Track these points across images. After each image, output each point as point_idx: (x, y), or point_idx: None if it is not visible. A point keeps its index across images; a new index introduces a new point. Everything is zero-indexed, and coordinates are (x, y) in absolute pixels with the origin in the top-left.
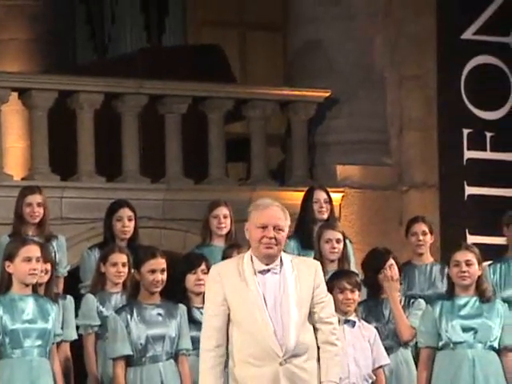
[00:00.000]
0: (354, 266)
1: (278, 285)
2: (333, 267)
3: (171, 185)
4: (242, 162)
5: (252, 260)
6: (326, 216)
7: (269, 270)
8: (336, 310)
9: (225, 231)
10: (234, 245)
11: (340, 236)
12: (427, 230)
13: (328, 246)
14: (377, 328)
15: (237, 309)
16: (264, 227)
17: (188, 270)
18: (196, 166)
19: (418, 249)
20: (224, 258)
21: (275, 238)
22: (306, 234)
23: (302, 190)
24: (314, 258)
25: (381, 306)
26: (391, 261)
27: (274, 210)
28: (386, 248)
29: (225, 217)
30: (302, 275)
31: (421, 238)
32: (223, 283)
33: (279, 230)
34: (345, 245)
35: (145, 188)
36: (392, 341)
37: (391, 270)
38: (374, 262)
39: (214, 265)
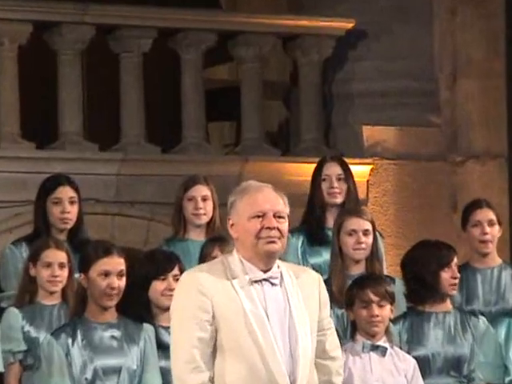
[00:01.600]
0: (385, 269)
1: (281, 301)
2: (358, 270)
3: (128, 153)
4: (228, 122)
5: (242, 262)
6: (338, 199)
7: (267, 280)
8: (358, 332)
9: (204, 219)
10: (218, 239)
11: (369, 226)
12: (495, 220)
13: (351, 241)
14: (420, 358)
15: (230, 334)
16: (261, 215)
17: (154, 274)
18: (164, 128)
19: (481, 246)
20: (203, 257)
21: (278, 229)
22: (315, 223)
23: (314, 162)
24: (332, 260)
25: (428, 324)
26: (456, 259)
27: (270, 193)
28: (443, 241)
29: (204, 199)
30: (305, 289)
31: (487, 230)
32: (211, 297)
33: (280, 217)
34: (374, 238)
35: (91, 158)
36: (447, 375)
37: (453, 273)
38: (427, 259)
39: (190, 270)
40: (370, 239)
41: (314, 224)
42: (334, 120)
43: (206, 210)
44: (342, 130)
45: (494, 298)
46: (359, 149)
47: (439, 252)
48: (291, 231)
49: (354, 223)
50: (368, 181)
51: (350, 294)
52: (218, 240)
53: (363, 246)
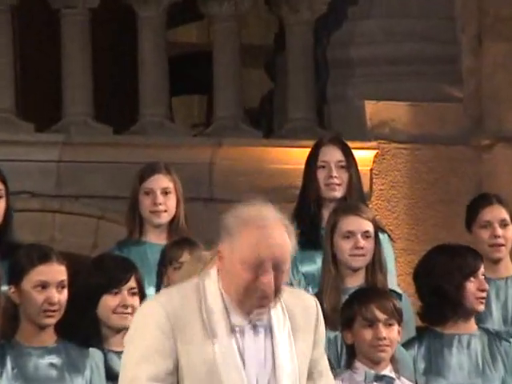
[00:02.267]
0: (395, 278)
1: (263, 353)
2: (356, 282)
3: (72, 135)
4: (197, 96)
5: (224, 300)
6: (338, 192)
7: (251, 326)
8: (358, 359)
9: (165, 217)
10: (183, 241)
11: (369, 226)
12: (508, 219)
13: (348, 245)
14: None
15: None
16: (258, 266)
17: (104, 287)
18: (116, 103)
19: (492, 251)
20: (166, 263)
21: (275, 285)
22: (309, 222)
23: (306, 146)
24: (323, 270)
25: (449, 349)
26: (483, 268)
27: (279, 235)
28: (468, 246)
29: (165, 192)
30: (297, 327)
31: (498, 232)
32: (177, 340)
33: (282, 270)
34: (377, 242)
35: (25, 141)
36: None
37: (481, 284)
38: (448, 268)
39: (156, 296)
40: (370, 243)
41: (306, 223)
42: (330, 94)
43: (168, 206)
44: (340, 106)
45: (510, 316)
46: (361, 130)
47: (463, 259)
48: None
49: (351, 223)
50: (372, 170)
51: (348, 311)
52: (185, 242)
53: (362, 251)
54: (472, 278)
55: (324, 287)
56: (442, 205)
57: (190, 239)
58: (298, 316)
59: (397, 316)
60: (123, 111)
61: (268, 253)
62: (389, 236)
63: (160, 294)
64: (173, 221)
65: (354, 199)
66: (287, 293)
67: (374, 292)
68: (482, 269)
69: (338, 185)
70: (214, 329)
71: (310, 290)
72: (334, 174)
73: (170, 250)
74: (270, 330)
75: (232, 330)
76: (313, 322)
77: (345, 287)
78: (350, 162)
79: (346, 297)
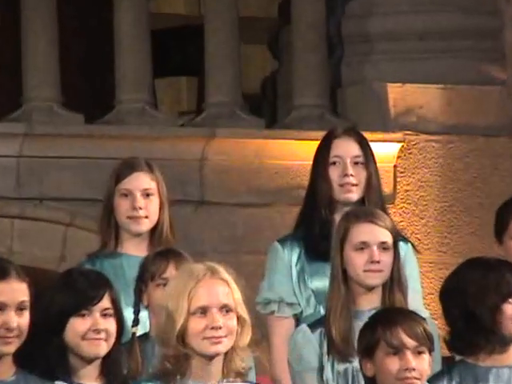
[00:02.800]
0: (420, 298)
1: None
2: (371, 303)
3: (35, 125)
4: (186, 78)
5: None
6: (354, 193)
7: None
8: None
9: (145, 225)
10: (167, 252)
11: (387, 236)
12: None
13: (361, 259)
14: None
15: None
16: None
17: (72, 308)
18: (88, 87)
19: None
20: (146, 278)
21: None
22: (319, 229)
23: (316, 139)
24: (331, 289)
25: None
26: None
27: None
28: (507, 261)
29: (146, 194)
30: None
31: None
32: None
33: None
34: (396, 255)
35: None
36: None
37: None
38: (481, 287)
39: None
40: (389, 257)
41: (315, 231)
42: (345, 75)
43: (149, 211)
44: (357, 90)
45: None
46: (382, 119)
47: (500, 276)
48: (281, 241)
49: (365, 232)
50: (396, 167)
51: (369, 336)
52: (171, 254)
53: (379, 266)
54: (511, 300)
55: (332, 310)
56: (480, 209)
57: (175, 250)
58: None
59: (428, 343)
60: (96, 96)
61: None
62: (413, 246)
63: None
64: (155, 228)
65: (373, 203)
66: None
67: (400, 313)
68: None
69: (355, 185)
70: None
71: (322, 310)
72: (350, 171)
73: (151, 263)
74: None
75: None
76: None
77: (357, 310)
78: (368, 158)
79: (358, 321)
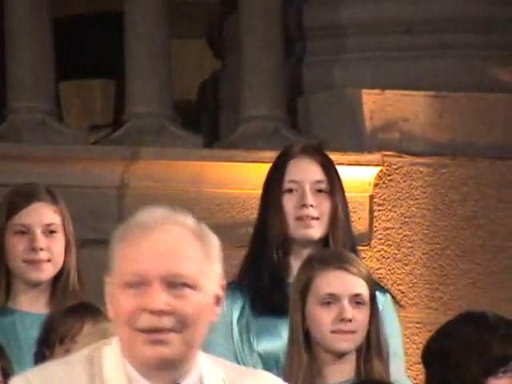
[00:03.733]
0: (403, 364)
1: None
2: (343, 374)
3: None
4: (101, 81)
5: (127, 374)
6: (316, 229)
7: None
8: None
9: (48, 270)
10: (80, 308)
11: (362, 287)
12: None
13: (328, 317)
14: None
15: None
16: (140, 283)
17: None
18: None
19: None
20: (45, 346)
21: (173, 314)
22: (270, 276)
23: (269, 161)
24: (289, 356)
25: None
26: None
27: (169, 238)
28: (505, 319)
29: (49, 230)
30: None
31: None
32: None
33: (181, 286)
34: (374, 311)
35: None
36: None
37: None
38: (464, 355)
39: (28, 373)
40: (363, 313)
41: (265, 277)
42: (307, 79)
43: (52, 253)
44: (322, 98)
45: None
46: (356, 135)
47: (490, 341)
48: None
49: (334, 282)
50: (372, 197)
51: None
52: (85, 310)
53: (351, 326)
54: (501, 374)
55: (290, 383)
56: (482, 253)
57: (90, 305)
58: None
59: None
60: None
61: (154, 266)
62: (392, 297)
63: (33, 370)
64: (59, 276)
65: (340, 243)
66: (235, 371)
67: None
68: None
69: (316, 218)
70: None
71: None
72: (310, 201)
73: (60, 323)
74: None
75: None
76: None
77: (324, 383)
78: (333, 184)
79: None
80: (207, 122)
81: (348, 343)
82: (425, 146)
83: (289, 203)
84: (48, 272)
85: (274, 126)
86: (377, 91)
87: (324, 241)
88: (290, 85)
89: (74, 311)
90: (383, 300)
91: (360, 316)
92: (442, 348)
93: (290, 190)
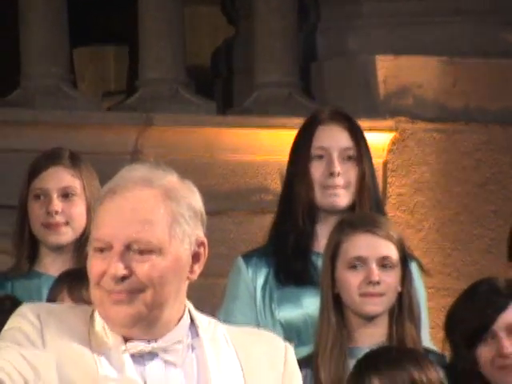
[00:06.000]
0: (427, 331)
1: None
2: (373, 337)
3: None
4: (114, 47)
5: (105, 330)
6: (344, 198)
7: (154, 354)
8: None
9: (66, 234)
10: (66, 275)
11: (390, 250)
12: None
13: (356, 279)
14: None
15: None
16: (104, 248)
17: None
18: None
19: None
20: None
21: (132, 277)
22: (294, 244)
23: (282, 126)
24: (320, 320)
25: None
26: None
27: (133, 202)
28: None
29: (66, 194)
30: (252, 377)
31: None
32: (48, 347)
33: (140, 251)
34: (406, 275)
35: None
36: None
37: (502, 349)
38: (464, 320)
39: (31, 304)
40: (392, 277)
41: (290, 245)
42: (321, 46)
43: (71, 216)
44: (336, 64)
45: None
46: (369, 101)
47: (483, 306)
48: (246, 257)
49: (361, 245)
50: (386, 163)
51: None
52: (68, 276)
53: (379, 288)
54: (489, 339)
55: (321, 347)
56: (495, 219)
57: (79, 273)
58: (255, 360)
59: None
60: None
61: (116, 229)
62: (419, 265)
63: (42, 304)
64: (80, 239)
65: (367, 210)
66: (237, 329)
67: (383, 355)
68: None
69: (343, 187)
70: (105, 352)
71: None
72: (337, 169)
73: (50, 288)
74: (195, 365)
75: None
76: (279, 375)
77: (354, 347)
78: (361, 151)
79: (355, 362)
80: (221, 89)
81: (376, 306)
82: (438, 112)
83: (316, 171)
84: (67, 236)
85: (288, 92)
86: (391, 57)
87: (351, 208)
88: (304, 51)
89: (60, 278)
90: (413, 271)
91: (388, 279)
92: (456, 317)
93: (319, 157)
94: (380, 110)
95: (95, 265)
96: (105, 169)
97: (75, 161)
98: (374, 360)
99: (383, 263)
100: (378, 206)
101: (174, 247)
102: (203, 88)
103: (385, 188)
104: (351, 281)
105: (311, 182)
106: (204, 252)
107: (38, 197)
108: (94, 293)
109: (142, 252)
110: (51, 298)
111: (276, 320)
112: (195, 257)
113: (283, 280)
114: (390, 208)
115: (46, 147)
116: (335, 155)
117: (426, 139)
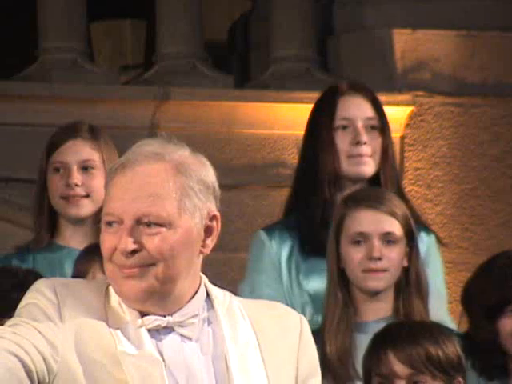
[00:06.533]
0: (445, 304)
1: (197, 367)
2: (378, 312)
3: None
4: (131, 21)
5: (121, 305)
6: (370, 167)
7: (169, 329)
8: None
9: (86, 206)
10: (95, 247)
11: (393, 226)
12: None
13: (358, 255)
14: None
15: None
16: (115, 222)
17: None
18: (2, 30)
19: None
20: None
21: (142, 251)
22: (320, 215)
23: (299, 100)
24: (328, 289)
25: None
26: None
27: (143, 176)
28: None
29: (85, 166)
30: (269, 348)
31: None
32: (65, 323)
33: (150, 225)
34: (413, 250)
35: None
36: None
37: None
38: (484, 294)
39: (46, 279)
40: (395, 252)
41: (316, 215)
42: (338, 19)
43: (90, 188)
44: (353, 38)
45: None
46: (386, 75)
47: (502, 279)
48: (267, 230)
49: (364, 220)
50: (403, 138)
51: (365, 362)
52: (98, 250)
53: (381, 264)
54: (509, 312)
55: (328, 321)
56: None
57: None
58: (270, 332)
59: (433, 369)
60: (13, 44)
61: (125, 206)
62: (437, 238)
63: (60, 278)
64: (100, 214)
65: (390, 179)
66: (250, 301)
67: (398, 330)
68: None
69: (369, 156)
70: (121, 327)
71: (320, 319)
72: (363, 138)
73: (77, 262)
74: (210, 339)
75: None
76: (294, 339)
77: (360, 322)
78: (384, 122)
79: (362, 336)
80: (238, 63)
81: (379, 282)
82: (456, 86)
83: (341, 141)
84: (87, 208)
85: (305, 66)
86: (408, 31)
87: (373, 178)
88: (321, 25)
89: (89, 250)
90: (428, 240)
91: (392, 254)
92: (479, 288)
93: (343, 127)
94: (397, 84)
95: (107, 240)
96: (122, 143)
97: (94, 134)
98: (390, 335)
99: (387, 239)
100: (397, 175)
101: (184, 221)
102: (220, 62)
103: (402, 162)
104: (353, 256)
105: (336, 152)
106: (217, 226)
107: (57, 170)
108: (107, 268)
109: (151, 226)
110: (78, 272)
111: (304, 291)
112: (207, 230)
113: (310, 251)
114: (407, 183)
115: (63, 122)
116: (360, 125)
117: (444, 113)
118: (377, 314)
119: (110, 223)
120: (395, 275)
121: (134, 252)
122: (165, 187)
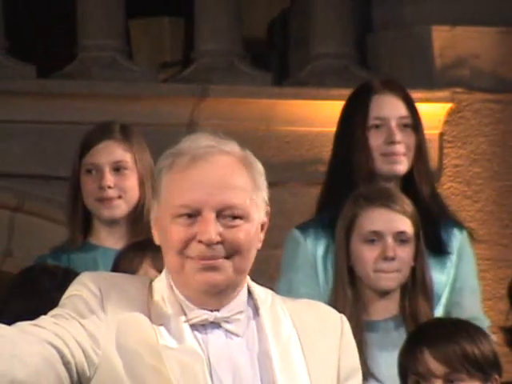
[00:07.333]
0: (479, 300)
1: (242, 364)
2: (387, 311)
3: None
4: (169, 19)
5: (175, 296)
6: (403, 165)
7: (216, 324)
8: None
9: (120, 208)
10: (143, 244)
11: (406, 225)
12: None
13: (371, 254)
14: None
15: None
16: (192, 214)
17: (34, 315)
18: (41, 31)
19: None
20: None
21: (224, 243)
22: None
23: (338, 98)
24: (336, 286)
25: None
26: None
27: (219, 168)
28: None
29: (117, 168)
30: (311, 347)
31: None
32: (108, 316)
33: (232, 217)
34: (420, 250)
35: None
36: None
37: None
38: None
39: (90, 273)
40: (407, 252)
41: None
42: (377, 17)
43: (123, 190)
44: (392, 35)
45: None
46: (426, 72)
47: None
48: (301, 228)
49: (378, 219)
50: (442, 134)
51: (400, 360)
52: (147, 246)
53: (395, 264)
54: None
55: None
56: None
57: (152, 242)
58: (312, 332)
59: (469, 367)
60: (52, 43)
61: (203, 197)
62: (469, 234)
63: (102, 273)
64: (134, 212)
65: (424, 177)
66: (296, 303)
67: (434, 328)
68: None
69: (403, 155)
70: (164, 322)
71: None
72: (398, 137)
73: (122, 258)
74: (255, 335)
75: (186, 326)
76: (335, 339)
77: (369, 320)
78: (417, 120)
79: (371, 334)
80: (276, 60)
81: (391, 282)
82: (495, 83)
83: (375, 139)
84: (121, 209)
85: (344, 63)
86: (447, 27)
87: (407, 177)
88: (360, 22)
89: (136, 247)
90: (460, 237)
91: (404, 254)
92: None
93: (377, 126)
94: (436, 80)
95: (179, 231)
96: (160, 140)
97: (126, 134)
98: (426, 333)
99: (400, 238)
100: (431, 175)
101: (256, 213)
102: (259, 60)
103: (441, 159)
104: (367, 255)
105: (370, 151)
106: (267, 221)
107: (89, 171)
108: (174, 260)
109: (233, 218)
110: (124, 271)
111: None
112: (262, 225)
113: None
114: (446, 179)
115: (102, 119)
116: (393, 124)
117: (483, 110)
118: (385, 312)
119: (184, 215)
120: (406, 275)
121: (214, 244)
122: (241, 180)
